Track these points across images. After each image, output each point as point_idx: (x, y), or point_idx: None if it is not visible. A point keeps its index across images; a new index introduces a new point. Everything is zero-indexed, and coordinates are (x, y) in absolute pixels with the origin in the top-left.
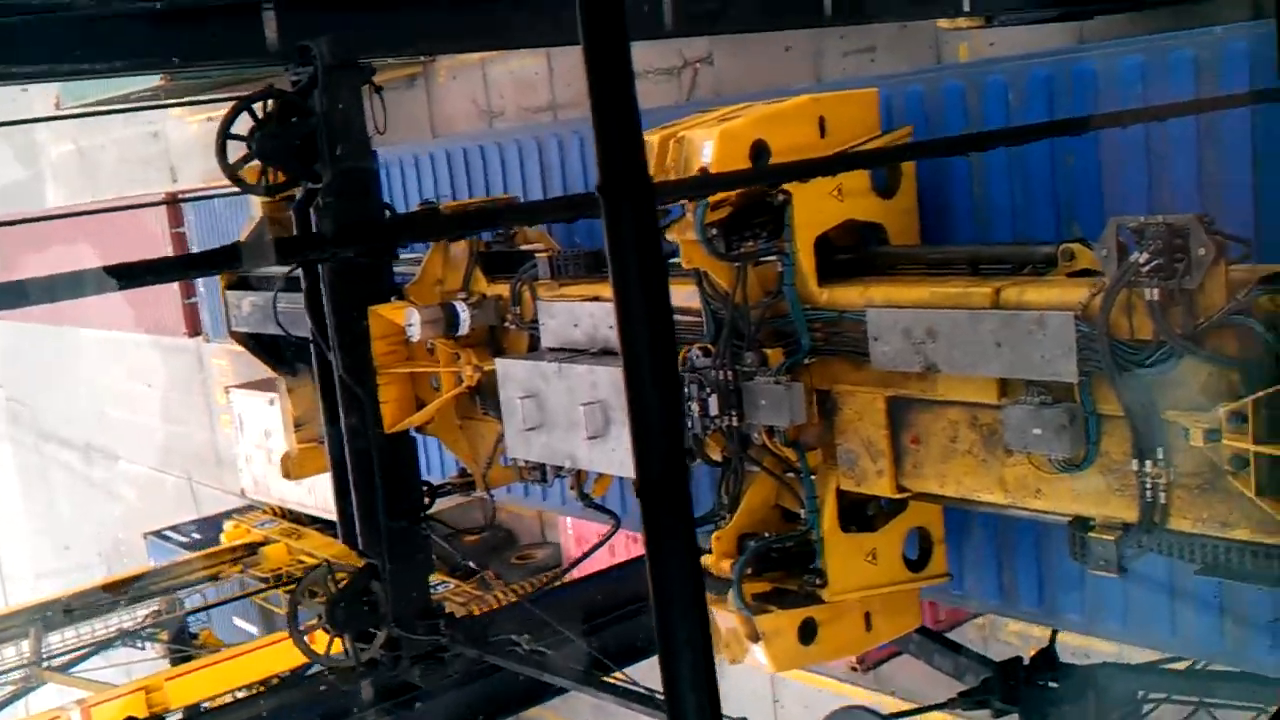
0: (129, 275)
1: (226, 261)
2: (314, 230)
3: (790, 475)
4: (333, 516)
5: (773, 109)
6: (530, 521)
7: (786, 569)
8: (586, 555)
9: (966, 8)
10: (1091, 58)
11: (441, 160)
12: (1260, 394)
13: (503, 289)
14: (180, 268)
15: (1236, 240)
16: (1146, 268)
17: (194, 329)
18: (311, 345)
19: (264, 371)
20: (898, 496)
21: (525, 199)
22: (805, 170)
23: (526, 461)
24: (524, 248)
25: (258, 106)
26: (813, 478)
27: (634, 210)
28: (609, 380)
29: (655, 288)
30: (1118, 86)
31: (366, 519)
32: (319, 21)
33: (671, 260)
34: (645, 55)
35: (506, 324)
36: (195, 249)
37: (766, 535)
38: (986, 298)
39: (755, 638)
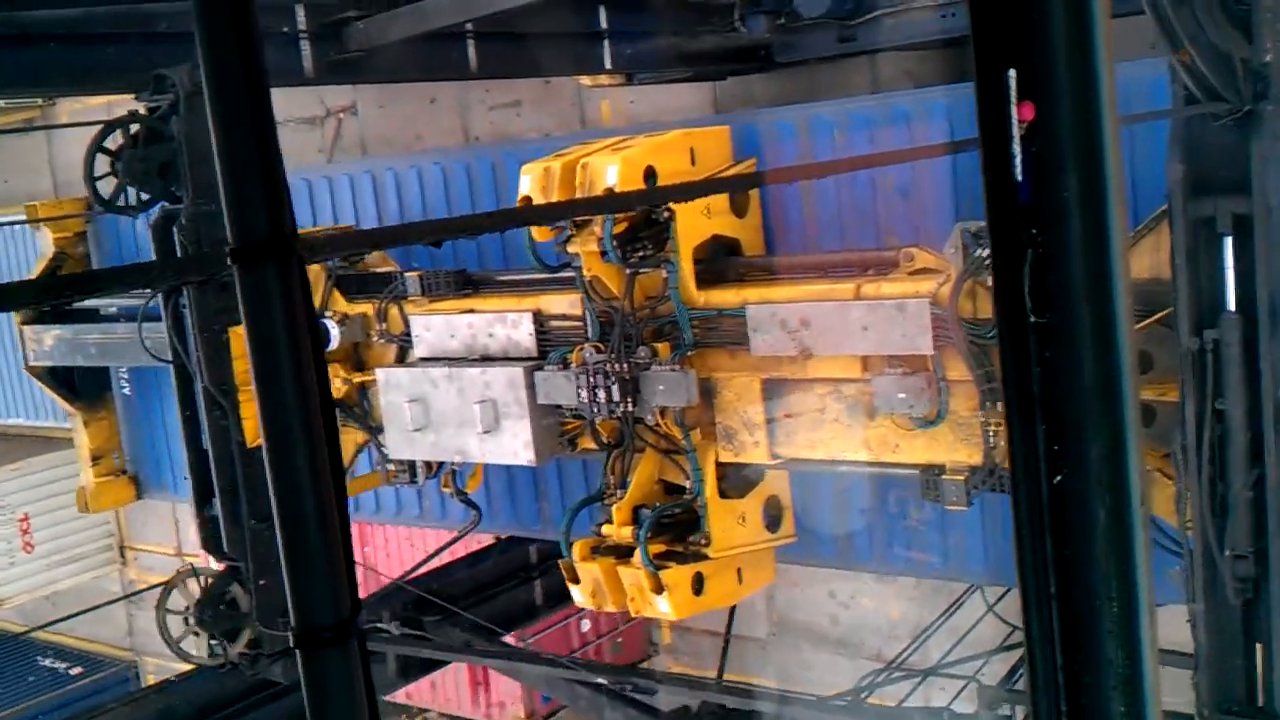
0: None
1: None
2: (176, 250)
3: (674, 452)
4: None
5: (655, 140)
6: None
7: (672, 533)
8: (445, 547)
9: (607, 65)
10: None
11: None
12: None
13: (365, 307)
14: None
15: None
16: (987, 261)
17: None
18: (172, 365)
19: None
20: (772, 463)
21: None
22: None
23: (398, 464)
24: (377, 270)
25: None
26: (695, 453)
27: (279, 275)
28: (502, 380)
29: (308, 370)
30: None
31: (230, 523)
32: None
33: (559, 274)
34: (284, 103)
35: (371, 339)
36: None
37: (657, 505)
38: (850, 292)
39: (659, 589)
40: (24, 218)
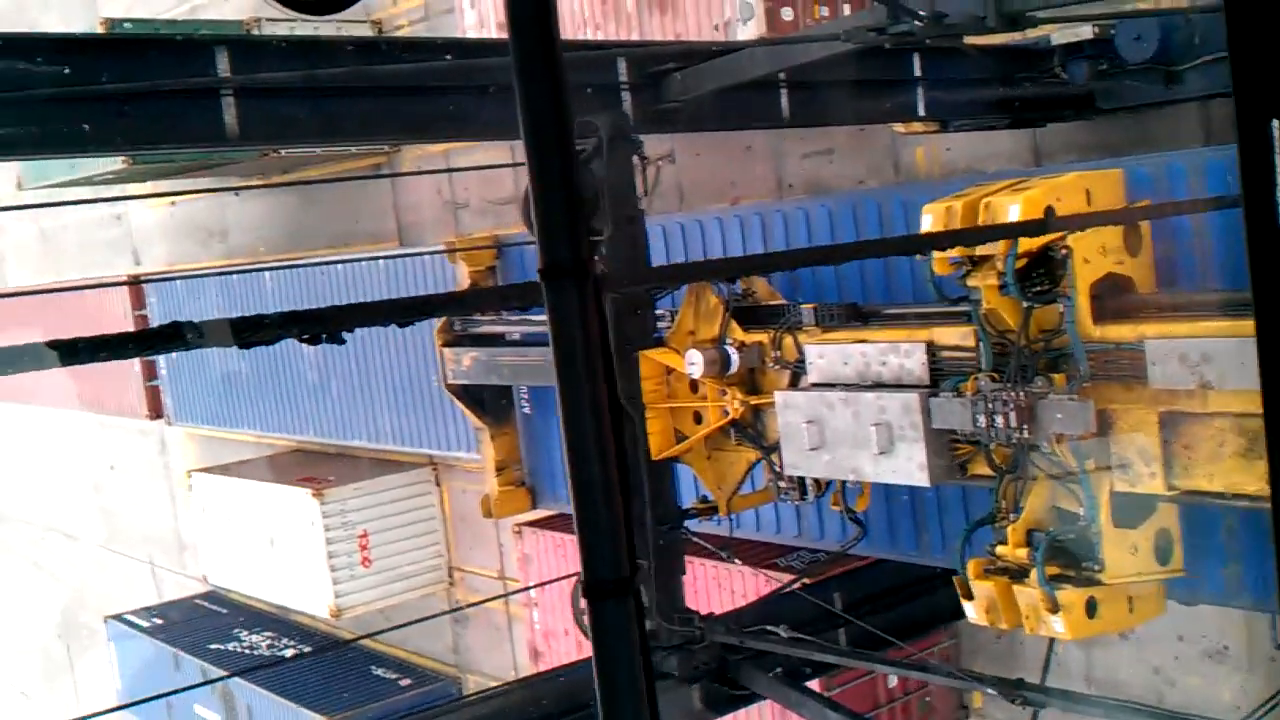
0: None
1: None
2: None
3: (1068, 479)
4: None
5: (1054, 181)
6: None
7: (1063, 559)
8: (831, 561)
9: (920, 112)
10: None
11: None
12: None
13: (760, 336)
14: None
15: None
16: None
17: (155, 412)
18: None
19: (228, 456)
20: (1168, 495)
21: None
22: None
23: (789, 481)
24: (768, 303)
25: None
26: (1089, 480)
27: (578, 293)
28: (898, 405)
29: (598, 374)
30: None
31: (635, 525)
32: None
33: (949, 308)
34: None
35: (766, 365)
36: None
37: (1050, 530)
38: (1251, 328)
39: (1055, 609)
40: (442, 248)
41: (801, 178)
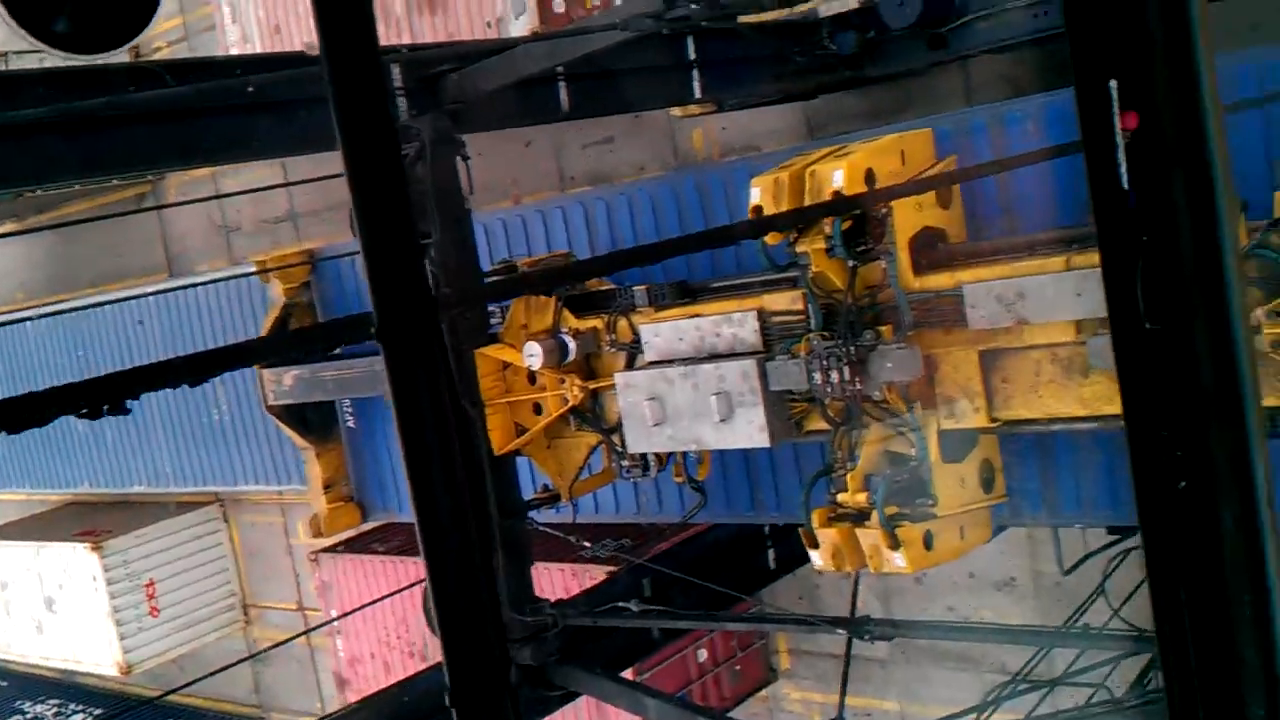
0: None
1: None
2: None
3: (899, 424)
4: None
5: (872, 145)
6: None
7: (899, 498)
8: (673, 531)
9: (698, 95)
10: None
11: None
12: None
13: (594, 322)
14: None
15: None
16: None
17: None
18: None
19: None
20: (991, 427)
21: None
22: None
23: (632, 459)
24: (598, 289)
25: None
26: (919, 423)
27: (423, 353)
28: (736, 372)
29: (451, 447)
30: None
31: (480, 520)
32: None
33: (774, 275)
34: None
35: (602, 350)
36: None
37: (886, 473)
38: (1061, 264)
39: (896, 546)
40: (253, 270)
41: (583, 169)
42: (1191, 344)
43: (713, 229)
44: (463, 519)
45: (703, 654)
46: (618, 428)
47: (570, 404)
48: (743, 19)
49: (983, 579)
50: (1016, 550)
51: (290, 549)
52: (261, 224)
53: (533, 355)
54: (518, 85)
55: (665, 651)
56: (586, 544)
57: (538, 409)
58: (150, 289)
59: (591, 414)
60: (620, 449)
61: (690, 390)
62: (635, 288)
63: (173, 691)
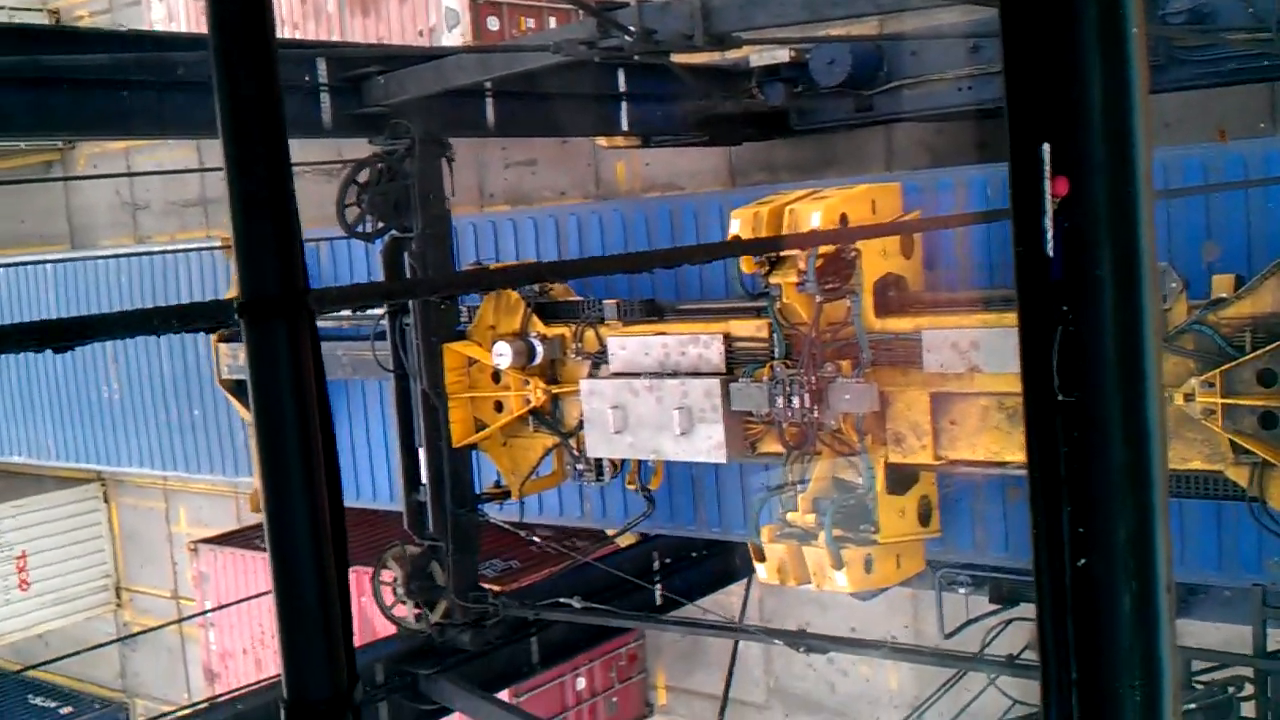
0: None
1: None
2: (406, 271)
3: (850, 454)
4: None
5: (846, 192)
6: None
7: (844, 524)
8: (618, 535)
9: (624, 127)
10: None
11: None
12: (1222, 368)
13: (562, 330)
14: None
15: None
16: None
17: None
18: (394, 374)
19: None
20: (936, 464)
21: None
22: (873, 232)
23: (587, 463)
24: (565, 299)
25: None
26: (868, 454)
27: (288, 334)
28: (700, 390)
29: (310, 421)
30: None
31: (435, 508)
32: None
33: (741, 303)
34: (303, 152)
35: (566, 357)
36: None
37: (834, 498)
38: (1015, 320)
39: (839, 565)
40: (219, 244)
41: (503, 188)
42: (1104, 419)
43: (692, 245)
44: (318, 520)
45: (581, 682)
46: (575, 432)
47: (532, 405)
48: (675, 57)
49: (864, 634)
50: (899, 610)
51: (170, 536)
52: (170, 205)
53: (502, 355)
54: (445, 95)
55: (544, 676)
56: (536, 539)
57: (499, 407)
58: (106, 252)
59: (551, 417)
60: (577, 453)
61: (654, 402)
62: (605, 301)
63: (35, 666)
